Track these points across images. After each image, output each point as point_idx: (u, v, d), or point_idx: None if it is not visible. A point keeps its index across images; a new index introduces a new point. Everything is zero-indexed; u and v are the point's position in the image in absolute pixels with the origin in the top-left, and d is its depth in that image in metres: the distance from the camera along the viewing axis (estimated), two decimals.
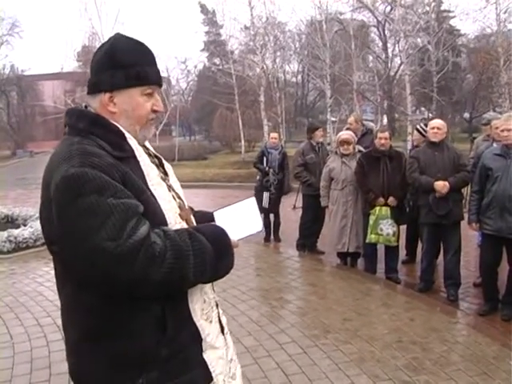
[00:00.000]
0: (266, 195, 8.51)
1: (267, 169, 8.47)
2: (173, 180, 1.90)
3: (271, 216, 8.75)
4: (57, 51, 73.85)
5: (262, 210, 8.55)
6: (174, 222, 1.71)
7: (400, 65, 28.39)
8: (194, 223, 1.88)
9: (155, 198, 1.66)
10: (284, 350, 4.34)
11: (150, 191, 1.66)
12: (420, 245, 6.52)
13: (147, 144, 1.88)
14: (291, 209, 8.70)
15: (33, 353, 4.38)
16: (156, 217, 1.64)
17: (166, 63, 48.63)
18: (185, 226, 1.76)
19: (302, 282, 6.48)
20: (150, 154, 1.84)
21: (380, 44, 34.25)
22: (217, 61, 38.24)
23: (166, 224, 1.66)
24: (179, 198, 1.87)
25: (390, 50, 31.63)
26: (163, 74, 42.33)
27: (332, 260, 7.42)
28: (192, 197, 15.27)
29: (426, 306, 5.36)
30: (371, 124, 8.35)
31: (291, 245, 8.23)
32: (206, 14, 41.59)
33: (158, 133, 40.96)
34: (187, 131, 55.36)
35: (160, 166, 1.87)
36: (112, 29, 25.88)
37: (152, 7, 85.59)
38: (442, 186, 5.60)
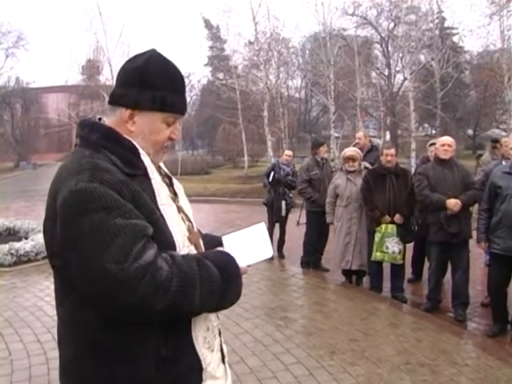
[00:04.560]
0: (283, 203, 8.49)
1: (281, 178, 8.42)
2: (183, 201, 1.83)
3: (275, 233, 8.68)
4: (61, 64, 74.27)
5: (276, 220, 8.59)
6: (183, 245, 1.64)
7: (403, 81, 28.46)
8: (203, 247, 1.81)
9: (164, 219, 1.59)
10: (290, 371, 4.23)
11: (160, 212, 1.59)
12: (426, 263, 6.42)
13: (160, 163, 1.82)
14: (295, 225, 8.65)
15: (31, 370, 4.28)
16: (165, 239, 1.57)
17: None
18: (193, 249, 1.70)
19: (306, 301, 6.38)
20: (160, 173, 1.77)
21: (383, 60, 34.29)
22: (220, 75, 38.37)
23: (175, 247, 1.59)
24: (188, 220, 1.80)
25: (393, 66, 31.61)
26: None
27: (337, 278, 7.31)
28: (194, 212, 15.35)
29: (433, 327, 5.26)
30: (377, 141, 8.30)
31: (295, 262, 8.14)
32: (210, 29, 41.76)
33: None
34: (190, 145, 55.41)
35: (170, 185, 1.80)
36: (117, 42, 26.06)
37: (157, 22, 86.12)
38: (454, 203, 5.53)
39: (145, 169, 1.62)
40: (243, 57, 29.86)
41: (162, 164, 1.83)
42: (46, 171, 31.65)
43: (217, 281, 1.56)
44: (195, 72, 59.20)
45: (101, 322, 1.51)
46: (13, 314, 5.66)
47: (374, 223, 6.32)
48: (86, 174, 1.47)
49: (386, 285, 6.58)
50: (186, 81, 32.56)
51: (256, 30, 25.01)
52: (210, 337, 1.72)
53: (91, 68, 31.85)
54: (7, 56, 41.63)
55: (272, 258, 1.82)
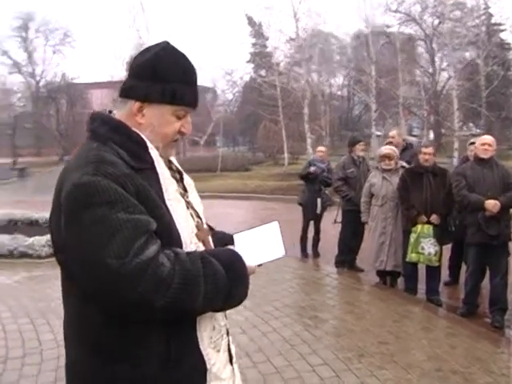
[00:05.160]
0: (319, 201, 8.40)
1: (318, 171, 8.30)
2: (192, 196, 1.80)
3: (310, 230, 8.59)
4: (106, 61, 75.59)
5: (311, 218, 8.51)
6: (190, 241, 1.61)
7: (448, 79, 27.81)
8: (212, 245, 1.76)
9: (171, 215, 1.56)
10: (316, 372, 4.14)
11: (166, 207, 1.56)
12: (464, 266, 6.21)
13: (172, 157, 1.79)
14: (332, 223, 8.54)
15: (59, 360, 4.29)
16: (170, 235, 1.54)
17: (212, 74, 49.25)
18: (201, 246, 1.67)
19: (338, 301, 6.27)
20: (171, 168, 1.74)
21: (427, 57, 33.60)
22: (262, 72, 38.34)
23: (181, 243, 1.56)
24: (198, 216, 1.76)
25: (437, 64, 30.97)
26: (209, 84, 42.90)
27: (371, 278, 7.16)
28: (232, 208, 15.34)
29: (468, 332, 5.06)
30: (411, 138, 8.11)
31: (330, 261, 8.01)
32: (253, 26, 41.75)
33: (202, 143, 41.66)
34: (231, 142, 55.59)
35: (181, 180, 1.77)
36: (159, 39, 26.34)
37: (199, 18, 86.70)
38: (493, 204, 5.32)
39: (152, 162, 1.59)
40: (285, 54, 29.82)
41: (173, 159, 1.80)
42: None
43: (222, 279, 1.53)
44: (237, 69, 59.19)
45: (103, 319, 1.49)
46: (45, 305, 5.73)
47: (409, 223, 6.16)
48: (90, 167, 1.46)
49: (422, 287, 6.39)
50: (228, 78, 32.78)
51: (297, 26, 24.88)
52: (216, 337, 1.68)
53: None
54: (54, 52, 42.76)
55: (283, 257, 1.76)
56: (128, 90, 1.65)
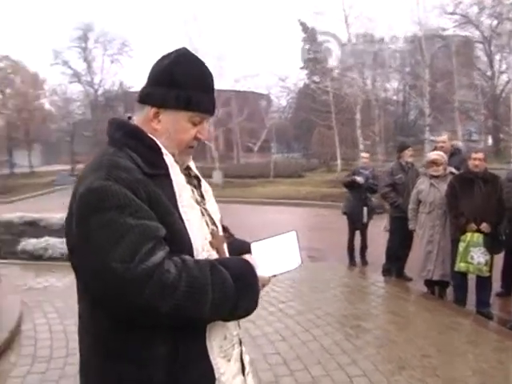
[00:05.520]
0: (365, 210, 8.25)
1: (362, 180, 8.15)
2: (210, 204, 1.79)
3: (356, 239, 8.45)
4: None
5: (357, 227, 8.35)
6: (202, 249, 1.60)
7: (507, 82, 26.86)
8: (226, 253, 1.75)
9: (183, 221, 1.55)
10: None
11: (179, 213, 1.55)
12: None
13: (191, 163, 1.79)
14: (383, 230, 8.32)
15: None
16: (181, 241, 1.54)
17: (267, 81, 49.43)
18: (214, 254, 1.65)
19: (382, 310, 6.11)
20: (189, 174, 1.74)
21: (485, 60, 32.58)
22: (316, 78, 38.19)
23: (192, 250, 1.55)
24: (214, 223, 1.74)
25: (495, 67, 29.96)
26: (263, 91, 43.08)
27: (419, 288, 6.93)
28: (282, 214, 15.30)
29: None
30: (460, 144, 7.83)
31: (378, 269, 7.83)
32: (306, 32, 41.68)
33: (256, 150, 41.82)
34: (286, 148, 55.57)
35: (198, 187, 1.76)
36: (210, 47, 26.81)
37: (253, 25, 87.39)
38: None
39: (167, 168, 1.59)
40: (338, 59, 29.58)
41: (192, 165, 1.81)
42: None
43: (230, 288, 1.51)
44: (291, 75, 59.16)
45: (111, 323, 1.51)
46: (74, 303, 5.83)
47: (458, 231, 5.93)
48: (103, 172, 1.48)
49: (472, 298, 6.13)
50: (281, 84, 32.77)
51: (348, 31, 24.65)
52: (226, 346, 1.66)
53: None
54: (112, 62, 43.85)
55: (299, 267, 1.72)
56: (145, 96, 1.66)
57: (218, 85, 35.71)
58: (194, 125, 1.65)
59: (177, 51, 1.69)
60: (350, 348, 4.76)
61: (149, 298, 1.38)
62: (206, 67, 1.69)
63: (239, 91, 40.24)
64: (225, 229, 1.89)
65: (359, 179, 8.15)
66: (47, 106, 43.88)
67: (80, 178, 1.58)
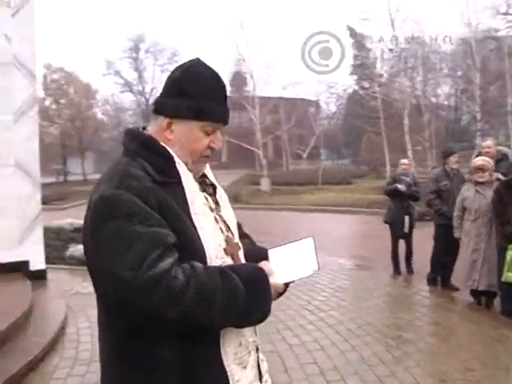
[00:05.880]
0: (407, 219, 8.08)
1: (404, 188, 7.99)
2: (225, 211, 1.79)
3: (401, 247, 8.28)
4: None
5: (400, 236, 8.18)
6: (215, 256, 1.60)
7: None
8: (242, 259, 1.74)
9: (196, 229, 1.56)
10: None
11: (192, 221, 1.56)
12: None
13: (209, 172, 1.80)
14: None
15: None
16: (193, 248, 1.55)
17: (316, 87, 49.33)
18: (228, 261, 1.65)
19: (425, 321, 5.95)
20: (204, 182, 1.76)
21: None
22: (365, 84, 37.81)
23: (205, 257, 1.56)
24: (229, 230, 1.74)
25: None
26: (312, 97, 42.96)
27: (465, 298, 6.71)
28: (327, 222, 15.18)
29: None
30: (506, 149, 7.57)
31: (423, 278, 7.63)
32: (355, 38, 41.35)
33: (305, 156, 41.71)
34: (335, 154, 55.20)
35: (214, 194, 1.77)
36: (259, 55, 26.91)
37: (299, 30, 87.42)
38: None
39: (179, 177, 1.60)
40: (386, 64, 29.18)
41: (209, 172, 1.81)
42: None
43: (241, 295, 1.51)
44: (340, 81, 58.69)
45: (122, 329, 1.53)
46: None
47: (505, 240, 5.72)
48: (115, 181, 1.52)
49: None
50: (333, 90, 32.53)
51: (395, 35, 24.26)
52: (242, 353, 1.65)
53: (237, 79, 33.03)
54: (162, 71, 44.82)
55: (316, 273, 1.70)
56: (159, 107, 1.68)
57: (266, 92, 36.00)
58: (207, 134, 1.66)
59: (190, 62, 1.71)
60: (390, 359, 4.65)
61: (156, 304, 1.39)
62: (219, 77, 1.71)
63: (287, 98, 40.29)
64: (246, 235, 1.88)
65: (401, 187, 8.00)
66: (99, 115, 45.31)
67: (95, 186, 1.61)
